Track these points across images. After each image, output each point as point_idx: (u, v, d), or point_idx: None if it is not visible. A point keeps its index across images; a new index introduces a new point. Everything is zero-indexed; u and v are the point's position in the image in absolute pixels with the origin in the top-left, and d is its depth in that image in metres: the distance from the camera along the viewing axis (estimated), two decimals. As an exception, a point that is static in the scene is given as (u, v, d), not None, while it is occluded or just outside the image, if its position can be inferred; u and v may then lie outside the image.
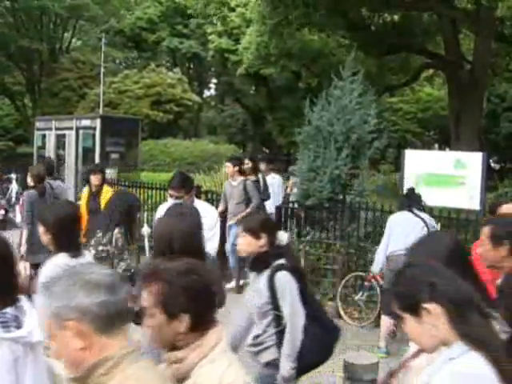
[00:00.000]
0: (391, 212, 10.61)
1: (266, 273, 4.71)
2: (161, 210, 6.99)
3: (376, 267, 8.80)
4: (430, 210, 9.81)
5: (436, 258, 2.95)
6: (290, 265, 4.76)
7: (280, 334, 4.66)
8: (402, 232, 8.29)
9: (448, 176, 10.05)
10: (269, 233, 4.81)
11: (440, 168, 10.15)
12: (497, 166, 43.21)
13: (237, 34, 35.77)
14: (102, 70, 30.42)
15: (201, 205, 6.83)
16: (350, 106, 11.21)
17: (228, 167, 11.32)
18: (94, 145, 20.19)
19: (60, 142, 20.89)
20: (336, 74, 11.67)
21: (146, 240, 10.35)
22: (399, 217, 8.63)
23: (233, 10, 35.85)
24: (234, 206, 11.01)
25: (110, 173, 18.96)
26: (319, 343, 4.71)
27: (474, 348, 2.45)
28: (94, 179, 10.07)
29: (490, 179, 17.25)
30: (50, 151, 21.01)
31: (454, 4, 20.21)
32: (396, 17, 24.36)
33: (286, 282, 4.64)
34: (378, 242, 9.18)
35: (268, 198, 11.50)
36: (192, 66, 53.14)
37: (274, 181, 12.99)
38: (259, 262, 4.81)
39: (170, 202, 6.87)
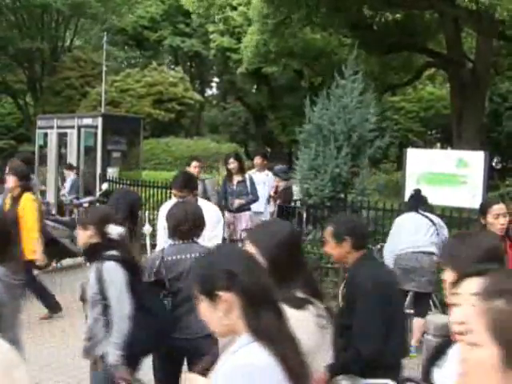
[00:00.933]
0: (393, 211, 10.62)
1: (96, 263, 4.88)
2: (164, 209, 6.99)
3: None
4: (431, 209, 9.80)
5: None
6: (122, 256, 4.91)
7: (108, 324, 4.82)
8: (409, 231, 8.32)
9: (450, 175, 10.03)
10: (96, 224, 4.96)
11: (442, 167, 10.14)
12: (499, 165, 43.21)
13: (238, 32, 35.77)
14: (104, 68, 30.45)
15: (204, 203, 6.82)
16: (351, 104, 11.20)
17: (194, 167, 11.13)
18: (95, 143, 20.19)
19: (62, 141, 20.88)
20: (338, 73, 11.66)
21: (148, 238, 10.35)
22: (406, 217, 8.62)
23: (235, 8, 35.86)
24: None
25: (112, 171, 19.00)
26: (147, 331, 4.86)
27: (259, 341, 2.48)
28: (8, 180, 9.04)
29: (492, 178, 17.27)
30: (52, 150, 21.01)
31: (456, 3, 20.13)
32: (398, 15, 24.33)
33: (112, 272, 4.79)
34: (379, 241, 9.17)
35: (256, 198, 11.13)
36: (194, 64, 53.21)
37: (267, 178, 12.63)
38: (90, 253, 5.03)
39: (174, 200, 6.87)
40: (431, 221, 8.25)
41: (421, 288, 8.42)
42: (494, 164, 40.95)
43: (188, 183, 6.98)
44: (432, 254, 8.22)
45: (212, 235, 6.47)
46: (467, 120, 21.28)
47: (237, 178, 10.82)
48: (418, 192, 8.91)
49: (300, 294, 3.29)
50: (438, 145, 42.73)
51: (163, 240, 6.34)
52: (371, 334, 4.29)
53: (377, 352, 4.28)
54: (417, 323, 8.53)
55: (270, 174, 13.00)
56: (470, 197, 9.68)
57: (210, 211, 6.74)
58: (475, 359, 1.77)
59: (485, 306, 1.76)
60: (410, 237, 8.26)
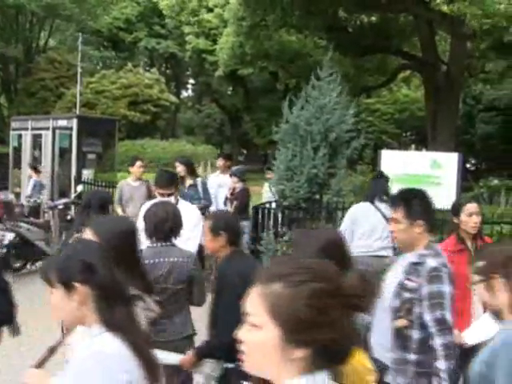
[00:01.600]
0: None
1: None
2: (144, 209, 6.99)
3: None
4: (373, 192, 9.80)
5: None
6: None
7: None
8: (363, 233, 8.30)
9: (424, 176, 10.11)
10: None
11: (416, 168, 10.22)
12: (472, 167, 43.56)
13: (214, 34, 35.82)
14: (79, 69, 30.28)
15: (184, 205, 6.81)
16: (328, 105, 11.23)
17: (138, 167, 10.95)
18: (70, 145, 20.04)
19: (36, 143, 20.74)
20: (314, 75, 11.69)
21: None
22: (361, 211, 8.51)
23: (211, 10, 35.87)
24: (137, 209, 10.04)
25: (87, 173, 18.91)
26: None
27: (111, 331, 2.57)
28: None
29: (466, 180, 17.41)
30: (26, 151, 20.86)
31: (431, 6, 20.29)
32: (373, 18, 24.49)
33: None
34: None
35: (209, 203, 10.83)
36: (169, 66, 53.14)
37: (229, 180, 12.26)
38: None
39: (155, 200, 6.83)
40: (384, 217, 8.19)
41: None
42: (467, 166, 41.30)
43: (173, 180, 6.99)
44: (385, 257, 8.27)
45: (191, 236, 6.45)
46: (441, 122, 21.45)
47: (188, 182, 10.48)
48: (379, 177, 8.88)
49: (133, 291, 3.37)
50: (413, 146, 42.89)
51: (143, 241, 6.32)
52: (231, 324, 4.41)
53: (235, 340, 4.41)
54: None
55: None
56: (444, 198, 9.75)
57: (190, 212, 6.73)
58: (256, 340, 1.92)
59: (264, 290, 1.93)
60: (364, 241, 8.25)
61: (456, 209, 5.95)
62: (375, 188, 8.63)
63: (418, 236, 4.30)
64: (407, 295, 4.28)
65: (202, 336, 5.55)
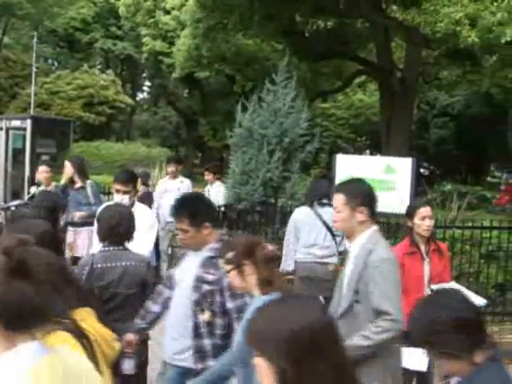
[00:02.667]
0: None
1: None
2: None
3: (286, 268, 8.78)
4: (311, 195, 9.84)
5: None
6: None
7: None
8: (307, 240, 8.29)
9: (378, 181, 10.13)
10: None
11: (370, 173, 10.24)
12: (426, 172, 44.02)
13: (171, 36, 35.67)
14: (34, 69, 29.97)
15: (138, 206, 6.77)
16: (283, 109, 11.27)
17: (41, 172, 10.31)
18: (24, 146, 19.83)
19: (-11, 143, 20.47)
20: (269, 80, 11.72)
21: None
22: (301, 217, 8.45)
23: (168, 12, 35.72)
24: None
25: (41, 175, 18.68)
26: None
27: None
28: None
29: (420, 185, 17.57)
30: (-21, 152, 20.58)
31: (387, 13, 20.48)
32: (329, 24, 24.61)
33: None
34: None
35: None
36: (125, 68, 52.79)
37: (182, 185, 11.85)
38: None
39: (116, 198, 6.77)
40: (324, 223, 8.24)
41: (320, 294, 8.55)
42: (421, 170, 41.74)
43: (132, 178, 6.96)
44: (329, 263, 8.34)
45: (145, 239, 6.39)
46: (396, 127, 21.65)
47: (78, 184, 9.76)
48: (320, 179, 8.88)
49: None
50: (368, 151, 43.38)
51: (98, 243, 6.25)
52: None
53: None
54: None
55: (186, 180, 12.23)
56: (397, 202, 9.82)
57: (144, 214, 6.69)
58: None
59: None
60: (307, 249, 8.29)
61: (410, 212, 6.02)
62: (314, 191, 8.60)
63: (359, 223, 4.37)
64: (207, 287, 4.44)
65: (155, 343, 5.53)
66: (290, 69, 13.10)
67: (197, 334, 4.47)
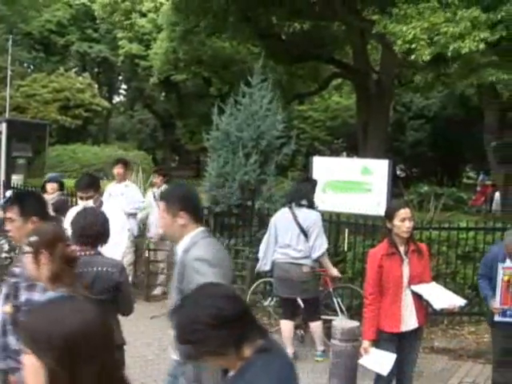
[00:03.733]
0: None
1: None
2: (70, 215, 6.90)
3: (263, 268, 8.91)
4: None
5: None
6: None
7: None
8: (282, 241, 8.52)
9: (355, 182, 10.19)
10: None
11: (347, 175, 10.29)
12: (403, 174, 44.24)
13: (148, 39, 35.65)
14: (9, 73, 29.77)
15: (108, 209, 6.74)
16: (260, 111, 11.27)
17: None
18: (-1, 149, 19.74)
19: (-36, 147, 20.32)
20: (245, 82, 11.73)
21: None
22: (279, 218, 8.68)
23: (144, 15, 35.65)
24: None
25: (17, 178, 18.57)
26: None
27: None
28: None
29: (396, 186, 17.66)
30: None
31: (363, 15, 20.52)
32: (305, 26, 24.66)
33: None
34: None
35: None
36: (102, 70, 52.55)
37: (126, 189, 11.46)
38: None
39: (81, 204, 6.77)
40: (298, 224, 8.36)
41: (296, 295, 8.67)
42: (398, 172, 41.95)
43: (93, 184, 6.95)
44: (302, 265, 8.41)
45: (117, 241, 6.36)
46: (372, 129, 21.71)
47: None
48: (301, 181, 8.95)
49: None
50: (344, 153, 43.49)
51: None
52: None
53: None
54: (313, 328, 8.71)
55: (132, 184, 12.02)
56: (374, 204, 9.87)
57: (115, 216, 6.66)
58: None
59: None
60: (283, 249, 8.50)
61: (389, 214, 6.05)
62: (294, 193, 8.71)
63: (182, 227, 4.44)
64: (13, 280, 4.45)
65: (131, 346, 5.50)
66: (266, 71, 13.11)
67: (3, 331, 4.43)
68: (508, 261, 6.59)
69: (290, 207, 8.52)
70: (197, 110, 36.50)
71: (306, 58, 24.79)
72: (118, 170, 11.44)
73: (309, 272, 8.43)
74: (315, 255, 8.39)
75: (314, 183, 8.93)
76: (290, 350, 8.39)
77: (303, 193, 8.60)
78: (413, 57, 11.92)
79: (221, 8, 19.42)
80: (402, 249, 6.04)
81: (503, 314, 6.55)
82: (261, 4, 19.80)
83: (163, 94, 45.80)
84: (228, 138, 11.33)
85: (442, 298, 6.12)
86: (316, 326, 8.64)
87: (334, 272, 8.80)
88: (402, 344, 6.05)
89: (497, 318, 6.69)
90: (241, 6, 19.45)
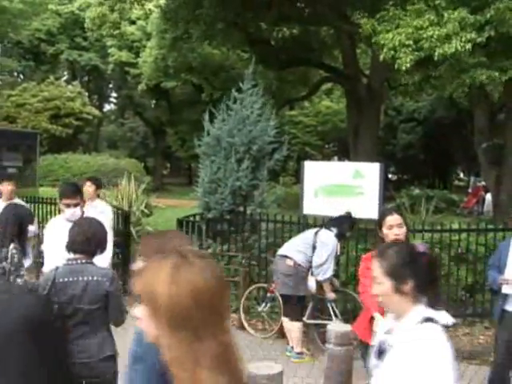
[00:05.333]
0: (291, 223, 10.73)
1: None
2: (50, 226, 6.91)
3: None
4: (329, 220, 9.92)
5: None
6: None
7: None
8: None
9: (347, 186, 10.19)
10: None
11: (339, 178, 10.29)
12: (394, 177, 44.35)
13: (137, 47, 35.67)
14: (-1, 82, 29.73)
15: (92, 216, 6.73)
16: (251, 117, 11.28)
17: None
18: (-10, 159, 19.70)
19: (-46, 157, 20.27)
20: (235, 88, 11.74)
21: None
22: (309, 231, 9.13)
23: (133, 22, 35.67)
24: None
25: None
26: None
27: None
28: None
29: (387, 189, 17.68)
30: None
31: (352, 19, 20.56)
32: (295, 31, 24.72)
33: None
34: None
35: None
36: (91, 79, 52.55)
37: (106, 208, 9.96)
38: None
39: (68, 212, 6.68)
40: (314, 236, 8.75)
41: (279, 290, 8.78)
42: (390, 176, 42.05)
43: (78, 190, 6.93)
44: (286, 257, 8.53)
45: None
46: (363, 133, 21.75)
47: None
48: (343, 216, 9.11)
49: None
50: (336, 158, 43.60)
51: (51, 258, 6.15)
52: None
53: None
54: (285, 324, 8.74)
55: (107, 207, 10.15)
56: (366, 207, 9.88)
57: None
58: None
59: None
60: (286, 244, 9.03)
61: (379, 222, 6.04)
62: (331, 220, 9.03)
63: None
64: None
65: (125, 358, 5.46)
66: (256, 77, 13.11)
67: None
68: None
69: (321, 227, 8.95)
70: (188, 116, 36.51)
71: (295, 62, 24.85)
72: (87, 188, 9.75)
73: (291, 266, 8.53)
74: (319, 278, 8.55)
75: (352, 221, 9.03)
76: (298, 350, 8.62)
77: (337, 223, 8.83)
78: (396, 65, 11.90)
79: (210, 15, 19.43)
80: None
81: None
82: (249, 10, 19.82)
83: (154, 101, 45.80)
84: (219, 143, 11.33)
85: None
86: (293, 326, 8.66)
87: (331, 296, 8.87)
88: None
89: (505, 290, 6.57)
90: (229, 12, 19.46)
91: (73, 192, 6.79)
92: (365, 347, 5.62)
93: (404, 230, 5.95)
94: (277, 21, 21.39)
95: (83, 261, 4.92)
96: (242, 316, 9.99)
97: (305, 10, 21.37)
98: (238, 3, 19.15)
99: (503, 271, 6.53)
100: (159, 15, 22.90)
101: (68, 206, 6.67)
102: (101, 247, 5.06)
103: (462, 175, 48.09)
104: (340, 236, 8.75)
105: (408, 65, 11.24)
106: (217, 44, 24.53)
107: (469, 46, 10.64)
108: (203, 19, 19.77)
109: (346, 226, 8.78)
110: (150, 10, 29.84)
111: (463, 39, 10.69)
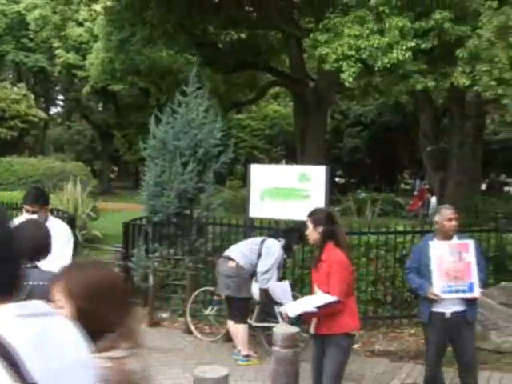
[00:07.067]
0: (238, 226, 10.75)
1: None
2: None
3: None
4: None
5: None
6: None
7: None
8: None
9: (293, 189, 10.22)
10: None
11: (285, 182, 10.31)
12: (341, 181, 44.69)
13: (85, 49, 35.32)
14: None
15: (53, 222, 6.65)
16: (197, 119, 11.27)
17: None
18: None
19: None
20: (180, 92, 11.72)
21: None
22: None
23: (81, 24, 35.35)
24: None
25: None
26: None
27: None
28: None
29: (333, 193, 17.82)
30: None
31: (299, 24, 20.70)
32: (242, 35, 24.78)
33: None
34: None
35: None
36: (38, 81, 51.84)
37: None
38: None
39: (23, 217, 6.64)
40: (262, 243, 8.82)
41: (222, 292, 8.85)
42: (337, 179, 42.36)
43: (40, 198, 6.84)
44: (229, 258, 8.60)
45: (61, 255, 6.26)
46: (310, 137, 21.89)
47: None
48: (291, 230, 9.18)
49: None
50: (284, 161, 43.79)
51: None
52: None
53: None
54: (231, 327, 8.76)
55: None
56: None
57: (60, 229, 6.58)
58: None
59: None
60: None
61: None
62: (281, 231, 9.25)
63: None
64: None
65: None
66: (203, 80, 13.10)
67: None
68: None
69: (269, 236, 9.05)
70: (135, 120, 36.32)
71: (243, 66, 24.91)
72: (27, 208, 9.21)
73: (233, 268, 8.56)
74: (262, 286, 8.64)
75: (300, 233, 9.10)
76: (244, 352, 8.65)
77: (286, 234, 8.95)
78: (340, 78, 11.97)
79: (156, 17, 19.35)
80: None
81: (449, 290, 6.54)
82: (197, 13, 19.80)
83: (101, 104, 45.44)
84: (165, 146, 11.29)
85: (301, 304, 6.34)
86: (239, 329, 8.68)
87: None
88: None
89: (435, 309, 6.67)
90: (176, 15, 19.40)
91: (32, 198, 6.70)
92: None
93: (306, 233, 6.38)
94: (225, 24, 21.42)
95: (28, 265, 4.85)
96: (189, 320, 9.96)
97: (253, 14, 21.45)
98: (185, 6, 19.11)
99: (427, 275, 6.60)
100: (105, 17, 22.72)
101: (27, 210, 6.61)
102: (40, 251, 4.99)
103: (408, 179, 48.65)
104: (287, 248, 8.81)
105: (351, 79, 11.32)
106: (164, 47, 24.45)
107: (409, 54, 10.77)
108: (149, 22, 19.68)
109: (294, 239, 8.83)
110: (95, 11, 29.61)
111: (404, 47, 10.82)
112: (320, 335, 6.28)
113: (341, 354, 6.16)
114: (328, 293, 6.05)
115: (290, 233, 8.91)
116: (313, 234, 6.22)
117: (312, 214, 6.31)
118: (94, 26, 31.47)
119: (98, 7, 27.31)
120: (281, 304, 9.18)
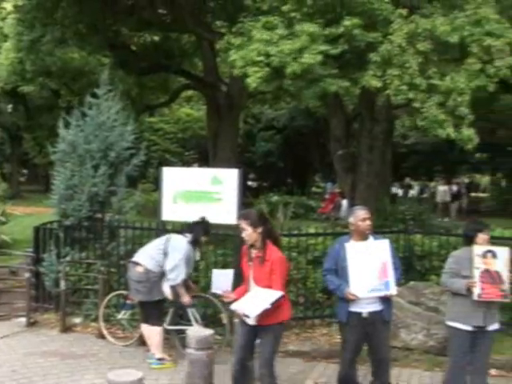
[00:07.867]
0: (150, 229, 10.71)
1: None
2: None
3: None
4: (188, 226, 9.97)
5: None
6: None
7: None
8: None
9: (205, 192, 10.22)
10: None
11: (197, 185, 10.32)
12: (254, 184, 44.92)
13: (-4, 48, 34.45)
14: None
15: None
16: (108, 122, 11.17)
17: None
18: None
19: None
20: (91, 94, 11.59)
21: None
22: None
23: (-9, 23, 34.48)
24: None
25: None
26: None
27: None
28: None
29: (246, 196, 17.91)
30: None
31: (212, 28, 20.71)
32: (156, 37, 24.67)
33: None
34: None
35: None
36: None
37: None
38: None
39: None
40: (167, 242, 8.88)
41: (133, 297, 8.87)
42: (250, 183, 42.57)
43: None
44: (137, 263, 8.71)
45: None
46: (223, 140, 21.97)
47: None
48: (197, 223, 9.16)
49: None
50: (196, 165, 43.74)
51: None
52: None
53: None
54: (144, 331, 8.77)
55: None
56: (224, 213, 9.96)
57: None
58: None
59: None
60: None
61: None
62: (187, 227, 9.19)
63: None
64: None
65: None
66: (116, 82, 12.99)
67: None
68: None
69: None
70: (45, 122, 35.68)
71: (155, 69, 24.82)
72: None
73: (142, 273, 8.54)
74: (171, 283, 8.59)
75: (205, 225, 9.10)
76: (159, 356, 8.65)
77: (191, 229, 8.96)
78: (245, 83, 11.98)
79: (68, 18, 19.05)
80: (253, 253, 6.66)
81: (366, 289, 6.67)
82: (110, 14, 19.60)
83: (10, 106, 44.40)
84: (75, 150, 11.15)
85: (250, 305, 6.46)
86: (152, 332, 8.66)
87: (185, 299, 8.83)
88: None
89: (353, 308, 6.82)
90: (89, 16, 19.14)
91: None
92: None
93: (247, 233, 6.67)
94: (138, 26, 21.28)
95: None
96: (102, 324, 9.86)
97: (167, 17, 21.36)
98: (98, 7, 18.88)
99: (344, 275, 6.76)
100: (16, 16, 22.21)
101: None
102: None
103: (319, 182, 49.26)
104: (194, 242, 8.82)
105: (255, 84, 11.33)
106: (76, 48, 24.08)
107: (320, 57, 10.88)
108: (61, 22, 19.35)
109: (200, 231, 8.86)
110: (5, 9, 28.91)
111: (314, 51, 10.92)
112: (256, 326, 6.55)
113: (276, 340, 6.64)
114: (269, 287, 6.38)
115: (195, 226, 8.93)
116: (253, 235, 6.59)
117: (247, 217, 6.70)
118: (3, 26, 30.75)
119: (8, 5, 26.65)
120: (194, 306, 9.20)
